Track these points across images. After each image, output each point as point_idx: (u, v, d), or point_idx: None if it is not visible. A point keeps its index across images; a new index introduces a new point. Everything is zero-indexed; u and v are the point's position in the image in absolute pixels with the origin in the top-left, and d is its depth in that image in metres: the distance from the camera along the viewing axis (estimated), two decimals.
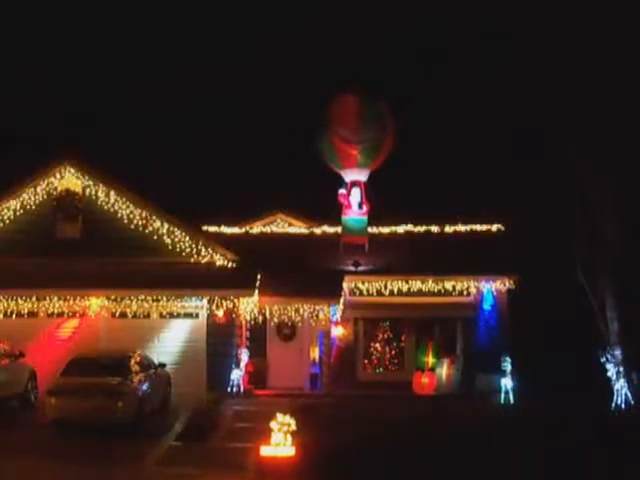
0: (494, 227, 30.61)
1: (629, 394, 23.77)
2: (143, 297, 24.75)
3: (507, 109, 25.94)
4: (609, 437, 17.15)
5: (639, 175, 23.73)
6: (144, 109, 41.02)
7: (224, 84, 42.95)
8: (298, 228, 31.52)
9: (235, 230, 31.03)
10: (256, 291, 25.16)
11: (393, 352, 28.27)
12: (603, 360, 24.29)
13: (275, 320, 27.23)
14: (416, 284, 27.49)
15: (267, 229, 31.36)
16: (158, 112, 41.35)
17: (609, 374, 24.26)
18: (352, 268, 27.94)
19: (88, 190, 26.13)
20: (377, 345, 28.30)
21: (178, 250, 25.66)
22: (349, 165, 29.51)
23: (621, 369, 24.02)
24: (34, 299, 24.85)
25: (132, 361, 20.84)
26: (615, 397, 23.91)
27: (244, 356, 25.41)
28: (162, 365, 22.83)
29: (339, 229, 29.97)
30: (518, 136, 26.18)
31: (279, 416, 16.66)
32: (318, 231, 31.06)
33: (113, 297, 24.84)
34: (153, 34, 44.15)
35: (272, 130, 41.23)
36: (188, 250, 25.77)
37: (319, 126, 29.49)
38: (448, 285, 27.60)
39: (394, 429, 18.46)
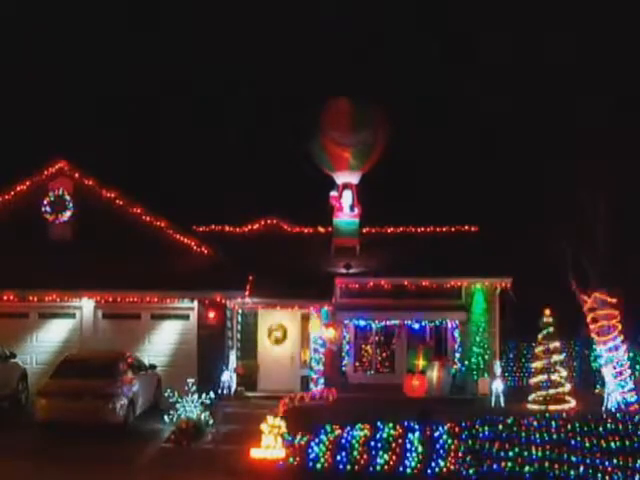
0: (488, 228, 30.66)
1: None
2: (133, 298, 24.70)
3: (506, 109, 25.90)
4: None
5: (632, 174, 23.67)
6: (143, 109, 41.11)
7: (223, 84, 43.11)
8: (289, 230, 31.45)
9: (228, 232, 31.03)
10: (247, 293, 25.15)
11: (384, 354, 28.25)
12: (597, 365, 24.32)
13: (266, 322, 27.24)
14: (407, 286, 27.46)
15: (259, 231, 31.29)
16: (157, 112, 41.46)
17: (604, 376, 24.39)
18: (343, 270, 27.92)
19: (80, 190, 26.09)
20: (368, 347, 28.29)
21: (170, 251, 25.59)
22: (341, 168, 29.51)
23: (613, 371, 24.04)
24: (25, 300, 24.77)
25: (122, 363, 20.80)
26: (606, 399, 23.98)
27: (232, 357, 25.38)
28: (152, 366, 22.79)
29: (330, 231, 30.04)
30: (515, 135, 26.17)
31: (269, 418, 16.68)
32: (309, 233, 31.07)
33: (104, 298, 24.78)
34: (152, 33, 44.27)
35: (267, 132, 41.34)
36: (180, 251, 25.72)
37: (311, 128, 29.47)
38: (439, 287, 27.55)
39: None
